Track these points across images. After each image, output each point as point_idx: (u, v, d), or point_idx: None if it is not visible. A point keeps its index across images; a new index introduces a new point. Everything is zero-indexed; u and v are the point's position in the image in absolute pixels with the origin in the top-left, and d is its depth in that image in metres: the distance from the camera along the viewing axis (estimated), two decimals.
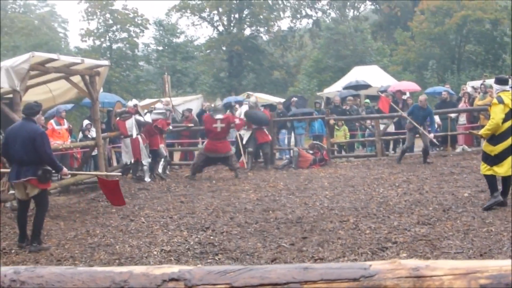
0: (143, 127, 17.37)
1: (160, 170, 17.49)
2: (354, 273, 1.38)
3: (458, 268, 1.39)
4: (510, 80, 16.64)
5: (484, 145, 10.81)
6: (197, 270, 1.42)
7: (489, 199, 10.71)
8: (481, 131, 10.98)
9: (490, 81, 21.15)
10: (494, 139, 10.34)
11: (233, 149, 18.50)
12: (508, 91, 10.53)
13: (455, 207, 10.72)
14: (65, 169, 10.72)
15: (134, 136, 17.10)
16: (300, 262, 7.92)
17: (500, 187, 10.70)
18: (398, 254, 7.99)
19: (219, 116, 17.29)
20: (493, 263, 1.41)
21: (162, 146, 17.74)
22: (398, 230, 9.32)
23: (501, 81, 10.72)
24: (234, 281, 1.36)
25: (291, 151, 19.63)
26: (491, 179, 10.60)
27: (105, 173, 14.42)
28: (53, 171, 10.13)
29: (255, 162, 19.06)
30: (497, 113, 10.20)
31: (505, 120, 10.18)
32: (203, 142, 22.07)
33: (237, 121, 17.77)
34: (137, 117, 17.26)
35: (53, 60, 13.03)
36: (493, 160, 10.39)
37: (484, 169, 10.61)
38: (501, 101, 10.23)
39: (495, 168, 10.37)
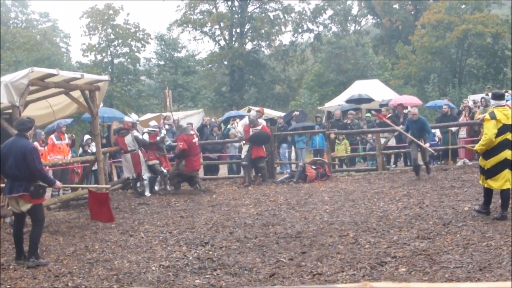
0: (141, 145, 17.37)
1: (156, 187, 17.45)
2: None
3: None
4: (510, 95, 16.76)
5: (480, 159, 11.01)
6: None
7: (481, 206, 11.10)
8: (476, 147, 11.12)
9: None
10: (487, 153, 10.63)
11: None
12: (504, 106, 10.77)
13: (455, 221, 10.68)
14: (58, 183, 10.71)
15: (136, 149, 17.16)
16: (298, 277, 7.90)
17: (499, 201, 10.85)
18: (397, 269, 7.97)
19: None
20: (461, 285, 1.39)
21: (156, 162, 17.60)
22: (398, 244, 9.29)
23: (497, 97, 10.96)
24: None
25: (296, 165, 19.50)
26: (486, 191, 10.88)
27: (95, 186, 14.41)
28: (46, 186, 10.09)
29: (255, 176, 18.97)
30: (490, 129, 10.45)
31: (498, 135, 10.43)
32: (204, 157, 22.12)
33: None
34: (135, 133, 17.27)
35: (52, 75, 13.02)
36: (487, 173, 10.68)
37: (482, 180, 10.98)
38: (493, 117, 10.48)
39: (490, 182, 10.66)
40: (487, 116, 10.73)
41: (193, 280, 8.27)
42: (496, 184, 10.59)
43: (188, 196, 16.44)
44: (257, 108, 24.37)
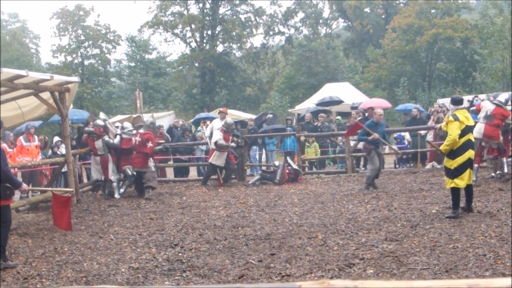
0: (112, 149, 17.24)
1: (122, 189, 17.40)
2: None
3: None
4: (478, 99, 17.01)
5: (445, 161, 11.55)
6: None
7: (451, 211, 11.37)
8: (441, 147, 11.54)
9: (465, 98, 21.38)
10: (452, 153, 11.15)
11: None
12: (463, 109, 11.45)
13: (423, 223, 10.83)
14: (24, 185, 10.69)
15: (105, 154, 17.09)
16: (267, 278, 7.95)
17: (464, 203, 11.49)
18: (365, 271, 8.06)
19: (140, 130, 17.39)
20: (418, 284, 1.46)
21: (129, 167, 17.47)
22: (366, 246, 9.39)
23: (456, 102, 11.68)
24: None
25: (276, 165, 19.44)
26: (455, 193, 11.29)
27: (59, 189, 14.34)
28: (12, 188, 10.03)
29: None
30: (453, 130, 11.00)
31: (461, 136, 11.00)
32: (174, 159, 22.08)
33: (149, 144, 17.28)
34: (106, 138, 17.15)
35: (22, 76, 12.93)
36: (453, 173, 11.14)
37: (448, 183, 11.37)
38: (456, 119, 11.05)
39: (456, 181, 11.13)
40: (450, 118, 11.29)
41: (162, 281, 8.29)
42: (462, 182, 11.11)
43: (158, 198, 16.40)
44: (232, 110, 24.36)
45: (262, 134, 22.63)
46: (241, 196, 15.95)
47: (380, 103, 27.42)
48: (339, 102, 29.19)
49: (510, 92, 17.18)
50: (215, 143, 17.96)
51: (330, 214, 12.42)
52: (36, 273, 9.01)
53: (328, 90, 34.02)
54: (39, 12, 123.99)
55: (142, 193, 16.99)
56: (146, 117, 21.05)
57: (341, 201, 14.14)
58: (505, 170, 15.38)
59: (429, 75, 48.89)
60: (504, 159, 15.56)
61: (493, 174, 16.01)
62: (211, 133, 19.12)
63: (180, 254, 9.78)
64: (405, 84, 44.91)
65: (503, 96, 16.00)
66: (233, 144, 18.29)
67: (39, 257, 10.08)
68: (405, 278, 7.60)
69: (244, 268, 8.64)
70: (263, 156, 24.05)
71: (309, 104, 32.55)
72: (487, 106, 15.58)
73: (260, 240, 10.39)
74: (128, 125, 18.11)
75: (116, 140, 17.21)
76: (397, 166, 22.62)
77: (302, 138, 20.45)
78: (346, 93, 32.76)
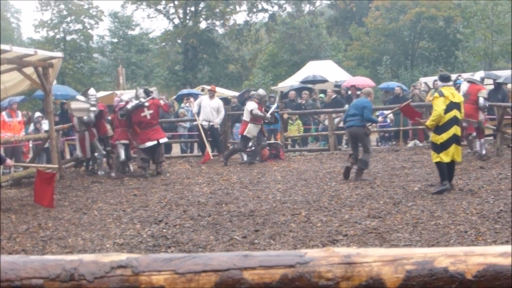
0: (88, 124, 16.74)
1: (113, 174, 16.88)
2: (290, 260, 1.45)
3: (386, 255, 1.48)
4: (462, 78, 17.13)
5: (432, 136, 11.85)
6: (143, 258, 1.48)
7: (438, 185, 11.65)
8: (427, 123, 11.82)
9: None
10: (439, 129, 11.38)
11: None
12: (450, 86, 11.79)
13: (405, 200, 10.92)
14: (8, 161, 10.67)
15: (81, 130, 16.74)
16: (280, 251, 7.98)
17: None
18: (348, 247, 8.13)
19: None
20: (419, 250, 1.50)
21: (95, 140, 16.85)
22: (349, 223, 9.46)
23: (444, 78, 12.01)
24: (178, 268, 1.43)
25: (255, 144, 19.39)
26: (441, 167, 11.51)
27: (44, 165, 14.28)
28: None
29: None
30: (439, 105, 11.28)
31: (447, 111, 11.27)
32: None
33: (161, 102, 16.97)
34: (85, 118, 16.79)
35: (5, 51, 12.84)
36: (440, 148, 11.39)
37: (434, 157, 11.60)
38: (441, 94, 11.37)
39: (442, 156, 11.37)
40: (436, 94, 11.69)
41: None
42: (447, 157, 11.35)
43: (141, 175, 16.36)
44: (209, 87, 24.17)
45: None
46: (224, 173, 15.98)
47: (363, 82, 27.54)
48: (323, 81, 29.24)
49: (483, 71, 17.35)
50: (251, 112, 17.45)
51: (313, 191, 12.48)
52: (21, 248, 9.01)
53: (311, 68, 34.00)
54: None
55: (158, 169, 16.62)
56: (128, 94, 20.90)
57: (324, 178, 14.21)
58: (483, 152, 15.52)
59: (411, 53, 49.11)
60: (482, 140, 15.71)
61: (469, 151, 16.20)
62: (199, 110, 19.06)
63: (164, 230, 9.81)
64: (387, 62, 45.08)
65: (478, 74, 16.37)
66: (268, 115, 18.03)
67: (23, 232, 10.06)
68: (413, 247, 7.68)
69: (228, 244, 8.69)
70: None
71: (292, 81, 32.53)
72: (463, 88, 15.89)
73: (244, 217, 10.43)
74: (92, 92, 17.18)
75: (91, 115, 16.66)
76: (379, 144, 22.75)
77: (285, 116, 20.48)
78: (329, 71, 32.76)
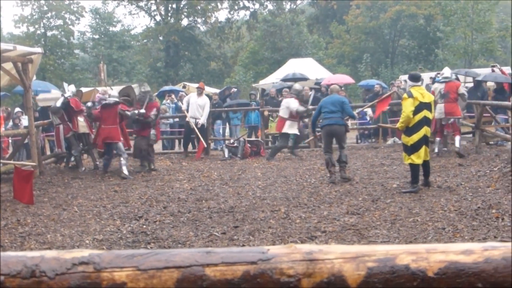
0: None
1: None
2: (252, 257, 1.44)
3: (348, 252, 1.47)
4: (440, 76, 17.26)
5: (402, 137, 11.71)
6: (106, 254, 1.46)
7: (409, 186, 11.58)
8: (397, 125, 11.84)
9: (425, 75, 21.66)
10: (409, 130, 11.24)
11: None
12: (420, 86, 11.66)
13: (384, 197, 10.96)
14: None
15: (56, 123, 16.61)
16: (242, 247, 7.99)
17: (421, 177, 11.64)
18: (326, 243, 8.15)
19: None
20: (380, 247, 1.50)
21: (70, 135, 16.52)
22: (328, 219, 9.49)
23: (414, 78, 11.84)
24: (140, 264, 1.41)
25: (237, 141, 19.33)
26: (413, 168, 11.45)
27: (21, 162, 14.17)
28: None
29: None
30: (407, 107, 11.14)
31: (416, 113, 11.12)
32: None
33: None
34: (52, 104, 16.69)
35: None
36: (411, 149, 11.28)
37: (405, 158, 11.56)
38: (410, 96, 11.18)
39: (413, 157, 11.26)
40: (405, 95, 11.52)
41: None
42: (419, 159, 11.25)
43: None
44: (196, 85, 24.06)
45: (226, 109, 22.65)
46: (205, 170, 15.97)
47: (343, 79, 27.61)
48: (304, 78, 29.27)
49: (447, 68, 17.55)
50: (297, 111, 17.27)
51: (292, 188, 12.50)
52: None
53: (292, 66, 34.00)
54: None
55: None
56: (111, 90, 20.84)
57: (303, 175, 14.23)
58: (457, 145, 15.60)
59: (392, 51, 49.29)
60: (459, 137, 15.83)
61: (445, 148, 16.33)
62: (188, 106, 19.01)
63: (144, 226, 9.79)
64: (368, 60, 45.20)
65: (447, 72, 16.45)
66: (310, 107, 17.89)
67: (2, 228, 9.98)
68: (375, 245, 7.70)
69: (208, 240, 8.70)
70: (227, 130, 24.07)
71: (273, 79, 32.57)
72: (438, 87, 15.96)
73: (223, 213, 10.44)
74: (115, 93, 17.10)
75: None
76: (359, 141, 22.80)
77: (266, 113, 20.51)
78: (309, 68, 32.79)
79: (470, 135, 17.98)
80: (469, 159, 14.82)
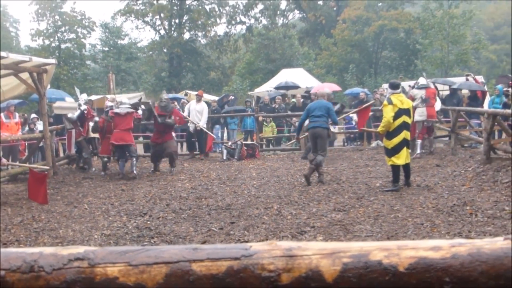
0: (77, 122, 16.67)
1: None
2: (236, 253, 1.42)
3: (325, 248, 1.45)
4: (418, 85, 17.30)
5: (384, 141, 11.73)
6: (100, 251, 1.43)
7: (391, 185, 11.59)
8: (378, 129, 11.87)
9: (404, 84, 21.71)
10: (389, 134, 11.31)
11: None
12: (399, 93, 11.57)
13: (368, 195, 10.94)
14: (3, 160, 10.57)
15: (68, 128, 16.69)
16: (227, 244, 7.96)
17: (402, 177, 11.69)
18: (315, 237, 8.12)
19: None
20: (356, 244, 1.47)
21: (81, 139, 16.73)
22: (316, 216, 9.46)
23: (393, 86, 11.74)
24: (132, 260, 1.39)
25: (235, 144, 19.28)
26: (394, 169, 11.48)
27: (36, 166, 14.12)
28: None
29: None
30: (388, 112, 11.19)
31: (396, 118, 11.16)
32: (144, 136, 21.91)
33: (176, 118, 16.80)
34: (69, 114, 16.74)
35: (2, 57, 12.70)
36: (391, 152, 11.34)
37: (387, 160, 11.61)
38: (390, 102, 11.24)
39: (394, 159, 11.33)
40: (385, 102, 11.53)
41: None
42: (400, 160, 11.28)
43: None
44: (194, 92, 24.13)
45: (224, 114, 22.67)
46: (204, 170, 15.94)
47: (330, 87, 27.56)
48: (295, 87, 29.31)
49: (422, 77, 17.70)
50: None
51: (284, 187, 12.48)
52: (15, 239, 8.92)
53: (284, 75, 33.98)
54: None
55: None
56: (119, 98, 20.77)
57: (294, 175, 14.21)
58: (418, 151, 15.76)
59: (375, 62, 49.34)
60: (432, 138, 16.06)
61: (423, 151, 16.37)
62: (189, 113, 19.01)
63: (148, 222, 9.75)
64: (353, 70, 45.25)
65: (423, 80, 16.68)
66: (339, 105, 17.90)
67: (18, 224, 9.97)
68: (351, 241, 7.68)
69: (206, 235, 8.66)
70: (225, 134, 24.05)
71: (267, 87, 32.52)
72: (418, 93, 16.10)
73: (221, 210, 10.41)
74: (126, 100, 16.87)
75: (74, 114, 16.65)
76: (345, 144, 22.81)
77: (260, 118, 20.51)
78: (300, 78, 32.77)
79: (447, 138, 17.98)
80: (445, 160, 14.82)
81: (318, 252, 1.41)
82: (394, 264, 1.40)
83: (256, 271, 1.37)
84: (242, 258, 1.39)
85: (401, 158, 11.30)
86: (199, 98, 19.55)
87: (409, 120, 11.42)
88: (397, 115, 11.17)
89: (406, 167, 11.56)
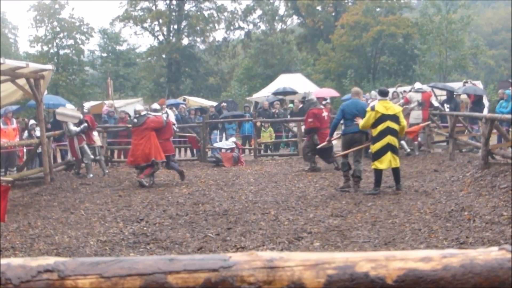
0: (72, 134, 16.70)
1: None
2: (214, 264, 1.35)
3: (308, 259, 1.38)
4: (405, 92, 17.40)
5: (370, 145, 11.85)
6: (70, 262, 1.37)
7: (372, 188, 11.80)
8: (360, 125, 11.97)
9: (401, 89, 21.73)
10: (373, 139, 11.51)
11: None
12: (386, 100, 11.72)
13: (365, 201, 10.88)
14: None
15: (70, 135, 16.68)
16: (224, 250, 7.90)
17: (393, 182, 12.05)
18: (312, 243, 8.05)
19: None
20: (340, 255, 1.41)
21: (84, 144, 16.75)
22: (314, 221, 9.39)
23: (382, 93, 11.93)
24: (104, 272, 1.32)
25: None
26: (376, 173, 11.68)
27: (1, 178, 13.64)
28: None
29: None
30: (367, 117, 11.42)
31: (378, 124, 11.33)
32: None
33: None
34: (70, 126, 16.68)
35: None
36: (374, 156, 11.55)
37: (372, 164, 11.76)
38: (373, 109, 11.41)
39: (376, 163, 11.50)
40: (368, 108, 11.69)
41: (128, 253, 8.17)
42: (382, 165, 11.44)
43: (126, 177, 16.22)
44: (196, 98, 24.19)
45: (222, 120, 22.66)
46: (202, 176, 15.88)
47: (329, 93, 27.60)
48: (293, 92, 29.30)
49: (418, 82, 18.29)
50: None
51: (282, 192, 12.41)
52: (10, 245, 8.82)
53: (283, 81, 34.06)
54: (17, 5, 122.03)
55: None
56: (118, 103, 20.80)
57: (292, 180, 14.15)
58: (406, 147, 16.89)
59: (373, 67, 49.32)
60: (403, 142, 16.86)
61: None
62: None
63: (145, 228, 9.68)
64: (352, 75, 45.22)
65: (418, 85, 17.28)
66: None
67: (14, 231, 9.88)
68: (348, 250, 7.61)
69: (203, 241, 8.59)
70: (223, 139, 24.01)
71: (265, 93, 32.58)
72: (415, 96, 16.44)
73: (218, 216, 10.33)
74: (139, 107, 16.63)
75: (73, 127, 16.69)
76: None
77: (258, 124, 20.48)
78: (298, 83, 32.85)
79: (445, 144, 17.93)
80: (443, 165, 14.76)
81: (301, 264, 1.34)
82: (381, 276, 1.33)
83: (235, 283, 1.30)
84: (220, 269, 1.32)
85: (384, 163, 11.39)
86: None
87: (394, 126, 11.38)
88: (379, 121, 11.29)
89: (395, 172, 11.70)
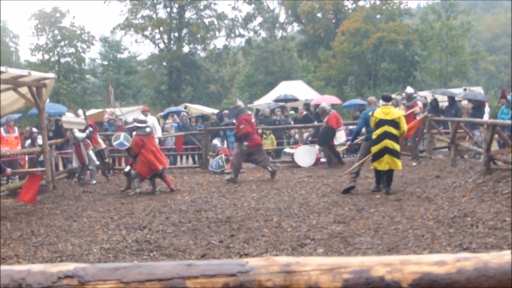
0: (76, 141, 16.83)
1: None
2: (232, 269, 1.37)
3: (325, 264, 1.40)
4: (418, 95, 17.54)
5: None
6: (90, 268, 1.38)
7: (374, 186, 12.86)
8: None
9: (401, 97, 21.78)
10: (373, 142, 12.19)
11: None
12: (388, 105, 12.30)
13: (368, 207, 10.88)
14: (8, 170, 10.56)
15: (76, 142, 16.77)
16: (227, 257, 7.90)
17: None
18: (315, 250, 8.05)
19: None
20: (356, 259, 1.42)
21: (90, 150, 16.96)
22: (316, 228, 9.39)
23: (385, 98, 12.53)
24: (123, 277, 1.34)
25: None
26: (376, 173, 12.61)
27: (35, 169, 14.07)
28: None
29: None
30: (370, 122, 12.48)
31: (377, 127, 12.05)
32: None
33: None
34: (76, 132, 16.75)
35: (1, 72, 12.66)
36: (373, 157, 12.23)
37: (370, 165, 12.53)
38: (372, 114, 12.31)
39: (375, 164, 12.26)
40: (370, 113, 12.53)
41: (131, 260, 8.17)
42: (380, 166, 12.16)
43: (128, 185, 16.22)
44: (198, 106, 24.27)
45: (224, 127, 22.70)
46: (204, 183, 15.88)
47: (330, 100, 27.60)
48: (294, 99, 29.34)
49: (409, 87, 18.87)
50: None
51: (284, 199, 12.41)
52: (14, 253, 8.83)
53: (284, 88, 34.08)
54: (18, 13, 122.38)
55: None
56: (119, 111, 20.85)
57: (294, 187, 14.15)
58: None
59: (374, 74, 49.35)
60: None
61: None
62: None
63: (148, 236, 9.68)
64: (352, 82, 45.30)
65: (410, 89, 18.07)
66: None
67: (17, 239, 9.89)
68: (352, 256, 7.61)
69: (206, 248, 8.59)
70: (225, 147, 24.03)
71: (266, 100, 32.60)
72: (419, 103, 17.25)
73: (221, 223, 10.34)
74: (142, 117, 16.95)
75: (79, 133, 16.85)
76: (345, 155, 22.73)
77: (260, 131, 20.47)
78: (299, 90, 32.87)
79: (446, 150, 17.94)
80: (445, 171, 14.76)
81: (318, 268, 1.36)
82: (397, 280, 1.35)
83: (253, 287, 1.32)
84: (238, 274, 1.34)
85: (382, 164, 12.10)
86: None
87: (392, 130, 12.04)
88: (378, 125, 12.08)
89: (388, 174, 12.26)
